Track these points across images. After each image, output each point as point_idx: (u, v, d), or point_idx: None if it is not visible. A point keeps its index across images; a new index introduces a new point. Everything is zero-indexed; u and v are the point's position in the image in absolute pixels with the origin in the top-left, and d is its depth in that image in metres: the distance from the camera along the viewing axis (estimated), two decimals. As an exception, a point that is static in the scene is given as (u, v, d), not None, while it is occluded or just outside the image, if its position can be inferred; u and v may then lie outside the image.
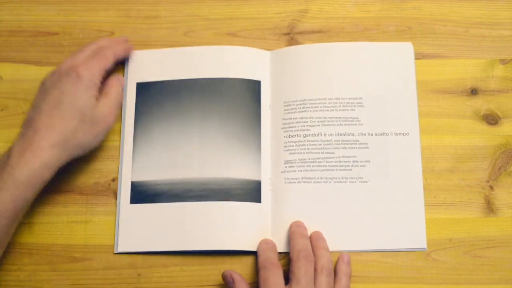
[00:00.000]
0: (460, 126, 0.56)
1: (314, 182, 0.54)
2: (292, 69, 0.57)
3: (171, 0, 0.61)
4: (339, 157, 0.54)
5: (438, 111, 0.56)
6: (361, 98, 0.56)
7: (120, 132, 0.56)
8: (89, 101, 0.51)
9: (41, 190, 0.49)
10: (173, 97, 0.56)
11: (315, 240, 0.51)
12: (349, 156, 0.54)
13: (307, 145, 0.54)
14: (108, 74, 0.54)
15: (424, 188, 0.54)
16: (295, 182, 0.54)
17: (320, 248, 0.50)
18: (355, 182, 0.53)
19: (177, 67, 0.57)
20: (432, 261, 0.52)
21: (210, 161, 0.54)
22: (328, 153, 0.54)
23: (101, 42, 0.56)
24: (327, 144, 0.54)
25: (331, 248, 0.51)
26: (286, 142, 0.55)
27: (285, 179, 0.54)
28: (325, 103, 0.56)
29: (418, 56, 0.58)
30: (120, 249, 0.53)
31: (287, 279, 0.49)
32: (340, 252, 0.52)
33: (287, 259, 0.51)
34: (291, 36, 0.59)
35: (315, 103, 0.56)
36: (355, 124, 0.55)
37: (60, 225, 0.53)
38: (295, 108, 0.56)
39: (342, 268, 0.50)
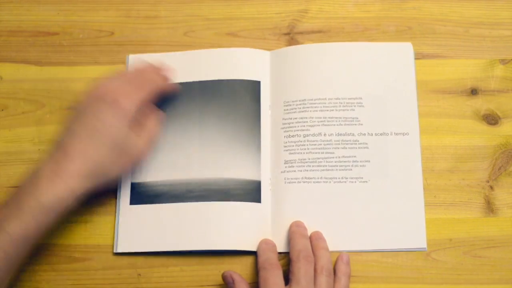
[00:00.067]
0: (460, 126, 0.56)
1: (314, 182, 0.54)
2: (292, 69, 0.57)
3: (171, 0, 0.61)
4: (339, 157, 0.54)
5: (438, 111, 0.56)
6: (361, 98, 0.56)
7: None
8: (124, 131, 0.48)
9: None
10: (173, 99, 0.56)
11: (315, 240, 0.51)
12: (349, 156, 0.54)
13: (307, 145, 0.54)
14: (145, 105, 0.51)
15: (424, 188, 0.54)
16: (295, 182, 0.54)
17: (320, 248, 0.50)
18: (355, 182, 0.53)
19: (176, 70, 0.57)
20: (432, 261, 0.52)
21: (210, 161, 0.54)
22: (328, 153, 0.54)
23: (144, 69, 0.53)
24: (327, 144, 0.54)
25: (331, 248, 0.51)
26: (286, 142, 0.55)
27: (285, 179, 0.54)
28: (325, 103, 0.56)
29: (418, 56, 0.58)
30: (119, 249, 0.53)
31: (287, 279, 0.49)
32: (340, 252, 0.52)
33: (287, 259, 0.51)
34: (291, 36, 0.59)
35: (315, 103, 0.56)
36: (355, 124, 0.55)
37: (60, 225, 0.53)
38: (295, 108, 0.56)
39: (342, 268, 0.50)
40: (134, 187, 0.54)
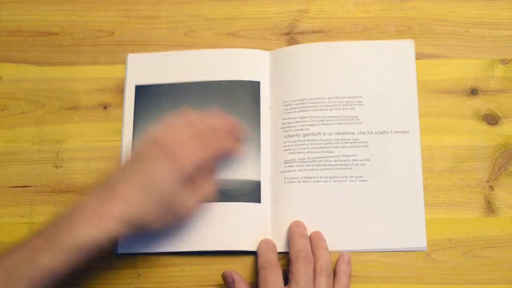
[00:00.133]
0: (460, 126, 0.56)
1: (314, 181, 0.53)
2: (291, 69, 0.57)
3: (171, 0, 0.61)
4: (339, 156, 0.54)
5: (438, 111, 0.56)
6: (360, 97, 0.56)
7: (120, 132, 0.56)
8: (175, 188, 0.46)
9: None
10: (172, 99, 0.56)
11: (314, 240, 0.51)
12: (349, 155, 0.54)
13: (307, 144, 0.54)
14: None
15: (424, 188, 0.53)
16: (294, 182, 0.54)
17: (319, 248, 0.50)
18: (355, 181, 0.53)
19: (175, 70, 0.57)
20: (432, 261, 0.52)
21: (210, 161, 0.54)
22: (328, 152, 0.54)
23: (218, 125, 0.51)
24: (327, 143, 0.54)
25: (331, 248, 0.51)
26: (286, 142, 0.55)
27: (284, 178, 0.54)
28: (324, 102, 0.55)
29: (418, 56, 0.58)
30: (120, 250, 0.53)
31: (286, 279, 0.48)
32: (340, 252, 0.51)
33: (286, 259, 0.51)
34: (291, 36, 0.59)
35: (314, 103, 0.55)
36: (355, 123, 0.55)
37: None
38: (295, 108, 0.56)
39: (342, 268, 0.50)
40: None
